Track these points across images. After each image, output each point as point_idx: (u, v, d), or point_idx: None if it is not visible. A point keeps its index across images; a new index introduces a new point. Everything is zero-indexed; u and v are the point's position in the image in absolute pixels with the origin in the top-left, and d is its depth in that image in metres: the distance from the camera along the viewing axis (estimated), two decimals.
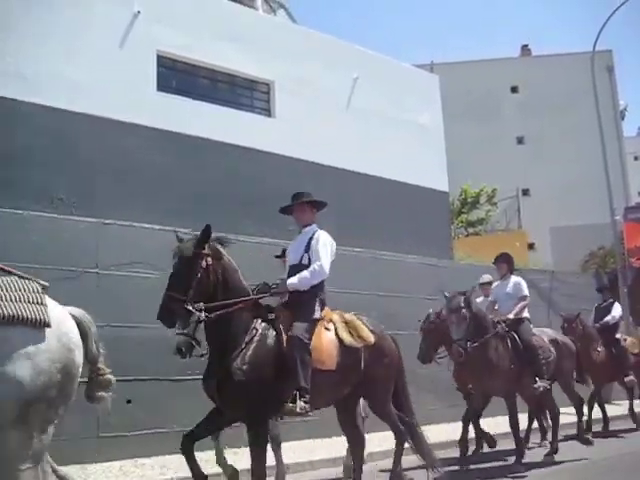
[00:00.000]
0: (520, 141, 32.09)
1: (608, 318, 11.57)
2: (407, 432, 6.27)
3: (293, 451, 9.54)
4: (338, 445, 10.09)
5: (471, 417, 8.82)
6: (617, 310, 11.89)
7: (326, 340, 5.60)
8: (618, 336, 11.62)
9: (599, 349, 11.15)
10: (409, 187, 15.92)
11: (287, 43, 14.54)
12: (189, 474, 5.74)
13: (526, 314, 8.79)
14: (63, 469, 5.80)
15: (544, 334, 9.12)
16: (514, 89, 32.87)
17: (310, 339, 5.41)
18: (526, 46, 36.35)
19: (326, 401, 5.90)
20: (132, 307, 9.00)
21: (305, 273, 5.76)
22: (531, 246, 26.36)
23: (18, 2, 10.96)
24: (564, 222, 28.11)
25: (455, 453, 8.72)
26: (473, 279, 14.63)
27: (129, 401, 8.85)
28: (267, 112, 14.31)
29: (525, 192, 29.47)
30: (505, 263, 9.30)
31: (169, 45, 12.64)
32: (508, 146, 31.21)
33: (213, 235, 5.57)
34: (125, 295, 9.05)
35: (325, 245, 6.20)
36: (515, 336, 8.32)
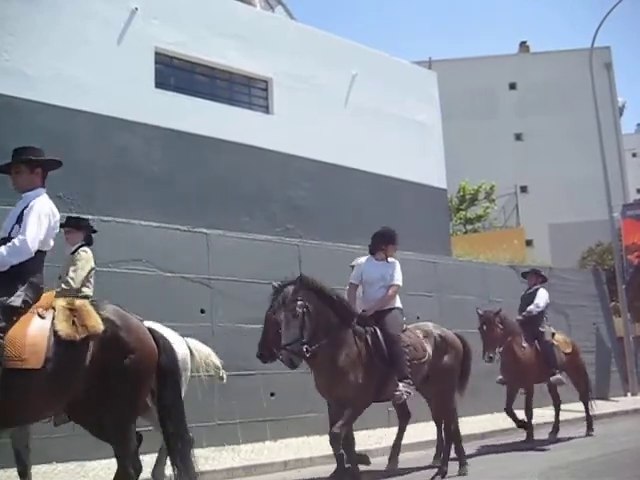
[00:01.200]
0: (518, 138, 32.14)
1: (531, 307, 10.26)
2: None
3: (293, 448, 9.57)
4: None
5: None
6: (542, 298, 10.43)
7: (33, 331, 4.30)
8: (543, 329, 10.21)
9: (524, 345, 9.88)
10: (407, 184, 15.92)
11: (285, 40, 14.52)
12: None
13: (398, 304, 7.46)
14: (63, 466, 5.82)
15: (419, 329, 7.73)
16: (512, 86, 32.92)
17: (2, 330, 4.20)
18: (524, 43, 36.40)
19: (39, 411, 4.58)
20: (130, 304, 8.91)
21: (1, 249, 4.56)
22: (529, 243, 26.39)
23: (17, 0, 10.95)
24: (562, 219, 28.18)
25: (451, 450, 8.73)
26: (472, 276, 14.73)
27: None
28: (265, 109, 14.30)
29: (523, 189, 29.52)
30: (391, 244, 7.83)
31: (167, 42, 12.62)
32: (506, 143, 31.26)
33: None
34: (123, 292, 9.01)
35: (39, 216, 4.96)
36: (378, 331, 6.91)
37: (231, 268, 10.57)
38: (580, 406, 11.41)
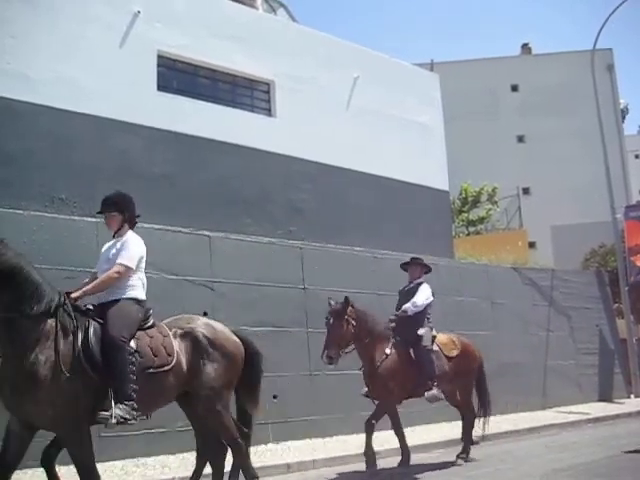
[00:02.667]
0: (520, 140, 32.11)
1: (407, 306, 8.40)
2: None
3: (296, 450, 9.57)
4: (341, 444, 10.14)
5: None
6: (423, 295, 8.57)
7: None
8: (421, 332, 8.34)
9: (387, 351, 8.09)
10: (409, 186, 15.91)
11: (287, 42, 14.53)
12: (186, 474, 5.76)
13: (133, 293, 5.62)
14: (66, 469, 5.82)
15: (175, 324, 5.87)
16: (514, 88, 32.90)
17: None
18: (526, 45, 36.37)
19: None
20: None
21: None
22: (532, 245, 26.38)
23: (18, 2, 10.95)
24: (565, 220, 28.14)
25: (453, 452, 8.73)
26: (474, 278, 14.72)
27: None
28: (267, 111, 14.30)
29: (526, 191, 29.48)
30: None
31: (169, 45, 12.63)
32: (509, 145, 31.23)
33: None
34: None
35: None
36: (93, 329, 5.23)
37: (233, 270, 10.57)
38: (583, 407, 11.37)
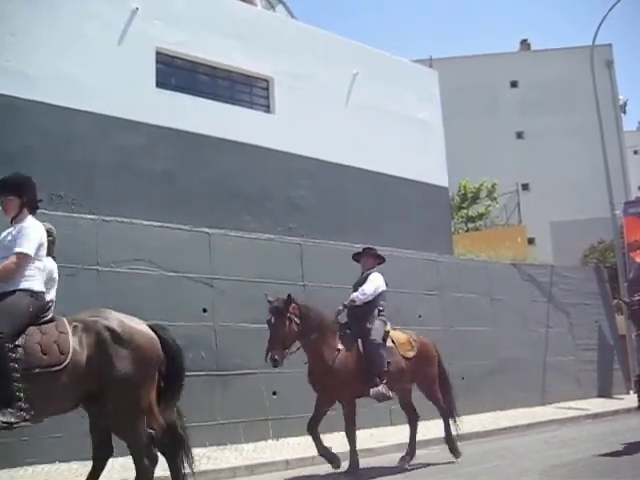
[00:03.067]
0: (520, 136, 32.11)
1: (354, 295, 7.89)
2: None
3: (295, 447, 9.58)
4: (339, 441, 10.14)
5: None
6: (373, 284, 8.01)
7: None
8: (371, 325, 7.79)
9: (340, 346, 7.57)
10: (409, 182, 15.92)
11: (286, 39, 14.52)
12: (189, 470, 5.76)
13: (26, 284, 5.06)
14: (66, 466, 5.82)
15: (79, 319, 5.16)
16: (513, 84, 32.89)
17: None
18: (525, 40, 36.34)
19: None
20: (132, 304, 8.99)
21: None
22: (531, 241, 26.38)
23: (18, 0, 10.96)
24: (564, 216, 28.15)
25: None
26: (473, 274, 14.72)
27: None
28: (266, 108, 14.30)
29: (525, 187, 29.49)
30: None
31: (168, 42, 12.62)
32: (508, 141, 31.23)
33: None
34: (125, 292, 9.04)
35: None
36: None
37: (233, 267, 10.57)
38: (582, 403, 11.38)
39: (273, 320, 7.28)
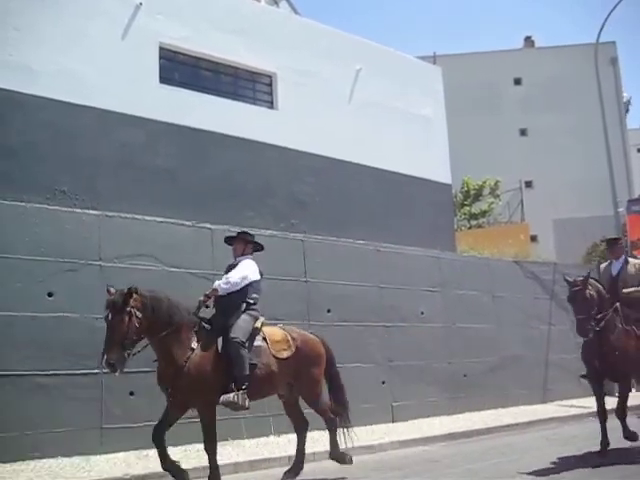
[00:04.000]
0: (523, 133, 32.03)
1: (217, 283, 6.96)
2: None
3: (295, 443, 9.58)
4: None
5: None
6: (240, 271, 7.02)
7: None
8: (234, 320, 6.76)
9: (194, 345, 6.53)
10: (412, 179, 15.90)
11: (289, 35, 14.50)
12: (192, 466, 5.78)
13: None
14: (68, 460, 5.83)
15: None
16: (517, 81, 32.80)
17: None
18: (529, 38, 36.22)
19: None
20: None
21: None
22: (534, 238, 26.33)
23: None
24: (567, 214, 28.08)
25: (454, 445, 8.76)
26: (476, 271, 14.72)
27: (132, 393, 8.91)
28: (270, 104, 14.28)
29: (528, 184, 29.42)
30: None
31: (171, 37, 12.61)
32: (511, 138, 31.16)
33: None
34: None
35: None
36: None
37: None
38: (584, 401, 11.34)
39: (110, 316, 6.12)
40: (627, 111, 35.31)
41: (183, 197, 11.81)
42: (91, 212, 9.46)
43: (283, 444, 9.46)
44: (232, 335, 6.60)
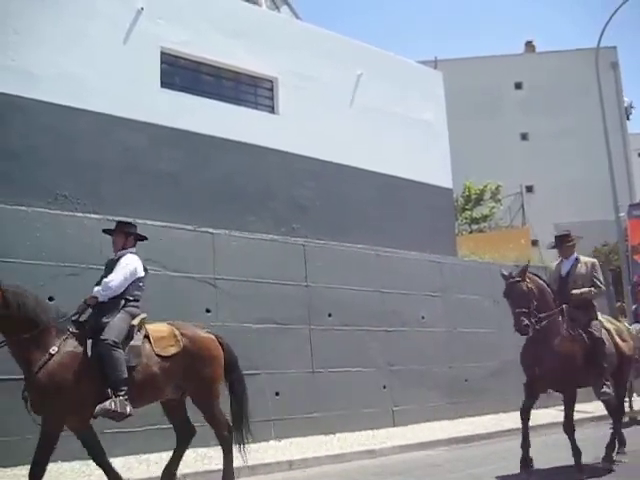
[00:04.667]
0: (524, 137, 32.09)
1: (97, 289, 6.34)
2: None
3: (298, 447, 9.58)
4: (343, 441, 10.15)
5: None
6: (121, 271, 6.37)
7: None
8: (111, 319, 6.10)
9: (54, 349, 5.76)
10: (413, 183, 15.90)
11: (291, 40, 14.52)
12: (193, 470, 5.76)
13: None
14: (68, 465, 5.81)
15: None
16: (518, 85, 32.87)
17: None
18: (530, 42, 36.31)
19: None
20: None
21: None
22: (535, 242, 26.32)
23: None
24: (568, 218, 28.05)
25: (455, 450, 8.74)
26: (477, 276, 14.70)
27: None
28: (271, 109, 14.29)
29: (529, 189, 29.48)
30: None
31: (173, 42, 12.63)
32: (512, 142, 31.22)
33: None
34: None
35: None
36: None
37: (236, 268, 10.58)
38: (585, 406, 11.30)
39: None
40: (630, 116, 35.27)
41: (184, 201, 11.82)
42: (92, 216, 9.46)
43: (284, 449, 9.45)
44: (104, 336, 5.89)
